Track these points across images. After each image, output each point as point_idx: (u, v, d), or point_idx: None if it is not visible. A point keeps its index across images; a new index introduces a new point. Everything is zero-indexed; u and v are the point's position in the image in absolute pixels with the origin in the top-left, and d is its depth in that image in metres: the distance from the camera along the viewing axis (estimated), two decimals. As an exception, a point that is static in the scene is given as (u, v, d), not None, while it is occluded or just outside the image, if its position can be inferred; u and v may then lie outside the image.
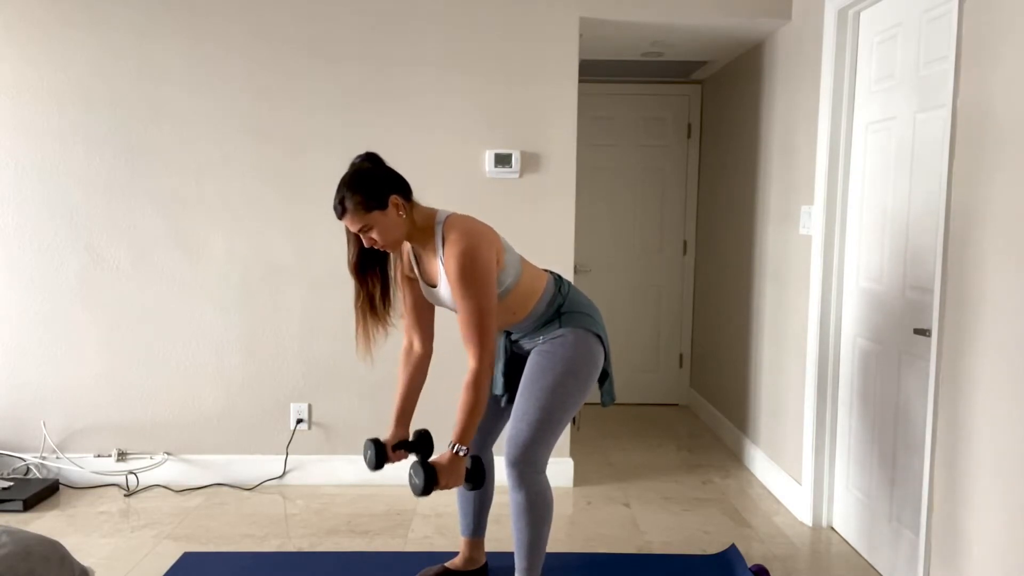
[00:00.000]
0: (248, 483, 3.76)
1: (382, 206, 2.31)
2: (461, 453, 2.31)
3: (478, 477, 2.39)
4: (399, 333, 3.41)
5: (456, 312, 2.46)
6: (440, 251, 2.37)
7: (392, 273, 2.48)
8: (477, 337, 2.31)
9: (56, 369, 3.72)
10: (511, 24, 3.63)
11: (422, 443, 2.60)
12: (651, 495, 3.72)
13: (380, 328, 2.47)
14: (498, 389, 2.64)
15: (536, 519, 2.47)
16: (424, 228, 2.40)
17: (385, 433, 2.67)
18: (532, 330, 2.54)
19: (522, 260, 2.51)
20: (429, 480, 2.25)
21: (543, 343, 2.51)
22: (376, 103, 3.64)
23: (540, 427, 2.42)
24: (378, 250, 2.43)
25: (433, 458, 2.33)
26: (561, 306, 2.51)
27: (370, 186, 2.31)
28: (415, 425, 2.65)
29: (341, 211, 2.31)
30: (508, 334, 2.62)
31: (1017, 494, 2.10)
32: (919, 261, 2.70)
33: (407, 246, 2.52)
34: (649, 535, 3.26)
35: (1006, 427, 2.14)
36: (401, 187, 2.37)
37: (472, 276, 2.29)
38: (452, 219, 2.38)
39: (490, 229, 2.42)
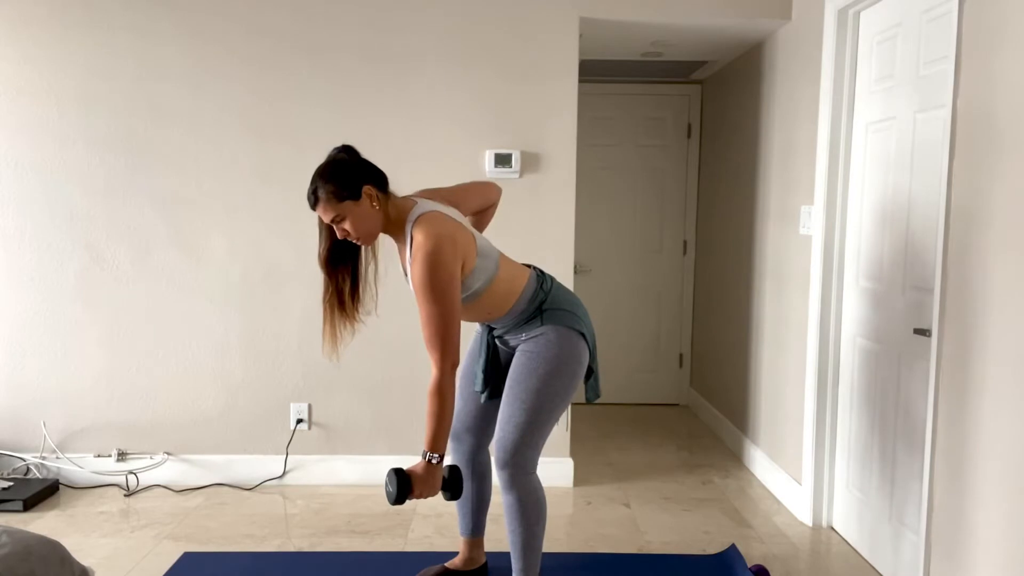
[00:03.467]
0: (248, 483, 3.76)
1: (355, 196, 2.30)
2: (434, 461, 2.29)
3: (455, 486, 2.34)
4: (393, 334, 3.40)
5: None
6: (408, 251, 2.36)
7: (362, 270, 2.46)
8: (438, 343, 2.28)
9: (56, 369, 3.72)
10: (511, 24, 3.63)
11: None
12: (651, 495, 3.72)
13: (347, 325, 2.45)
14: (478, 386, 2.62)
15: (529, 519, 2.46)
16: (397, 222, 2.38)
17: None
18: (514, 326, 2.51)
19: (501, 258, 2.46)
20: (403, 489, 2.22)
21: (526, 341, 2.48)
22: (376, 104, 3.64)
23: (527, 429, 2.41)
24: (350, 245, 2.42)
25: (409, 466, 2.30)
26: (543, 303, 2.48)
27: (343, 176, 2.30)
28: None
29: (314, 201, 2.31)
30: (491, 329, 2.59)
31: (1018, 493, 2.10)
32: (919, 261, 2.70)
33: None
34: (649, 535, 3.26)
35: (1007, 426, 2.14)
36: (376, 178, 2.36)
37: (433, 283, 2.26)
38: (422, 219, 2.32)
39: (460, 230, 2.34)
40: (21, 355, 3.71)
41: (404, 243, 2.40)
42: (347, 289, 2.43)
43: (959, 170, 2.35)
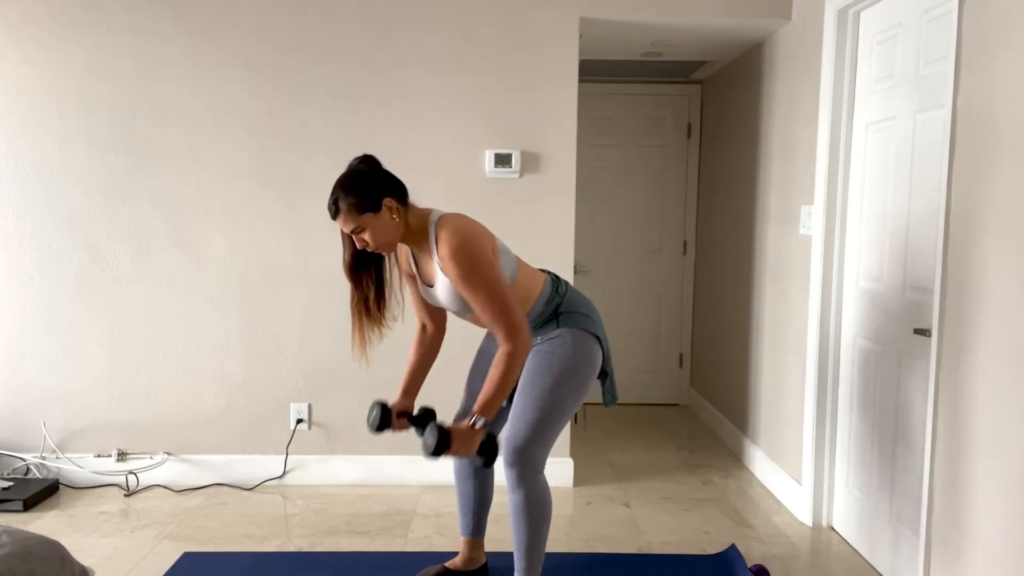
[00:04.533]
0: (248, 483, 3.76)
1: (375, 208, 2.31)
2: (478, 425, 2.30)
3: (491, 454, 2.37)
4: (396, 335, 3.41)
5: (458, 312, 2.46)
6: (435, 252, 2.37)
7: (387, 276, 2.48)
8: (501, 319, 2.30)
9: (56, 369, 3.72)
10: (511, 24, 3.63)
11: (424, 418, 2.63)
12: (651, 495, 3.72)
13: (375, 329, 2.47)
14: None
15: (535, 519, 2.47)
16: (418, 230, 2.40)
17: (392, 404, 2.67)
18: (530, 330, 2.53)
19: (518, 261, 2.51)
20: (442, 443, 2.25)
21: (541, 343, 2.50)
22: (376, 104, 3.64)
23: (538, 428, 2.42)
24: (374, 252, 2.43)
25: (451, 424, 2.33)
26: (559, 306, 2.51)
27: (364, 188, 2.31)
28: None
29: (335, 212, 2.32)
30: None
31: (1018, 493, 2.10)
32: (919, 261, 2.70)
33: (406, 246, 2.52)
34: (649, 535, 3.26)
35: (1006, 426, 2.14)
36: (396, 190, 2.37)
37: (475, 268, 2.29)
38: (444, 219, 2.39)
39: (481, 227, 2.41)
40: (21, 355, 3.71)
41: (427, 248, 2.41)
42: (372, 295, 2.45)
43: (959, 170, 2.35)
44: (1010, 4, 2.15)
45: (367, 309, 2.45)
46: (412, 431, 2.67)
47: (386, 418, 2.58)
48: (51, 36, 3.58)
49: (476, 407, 2.32)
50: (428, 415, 2.64)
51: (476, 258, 2.30)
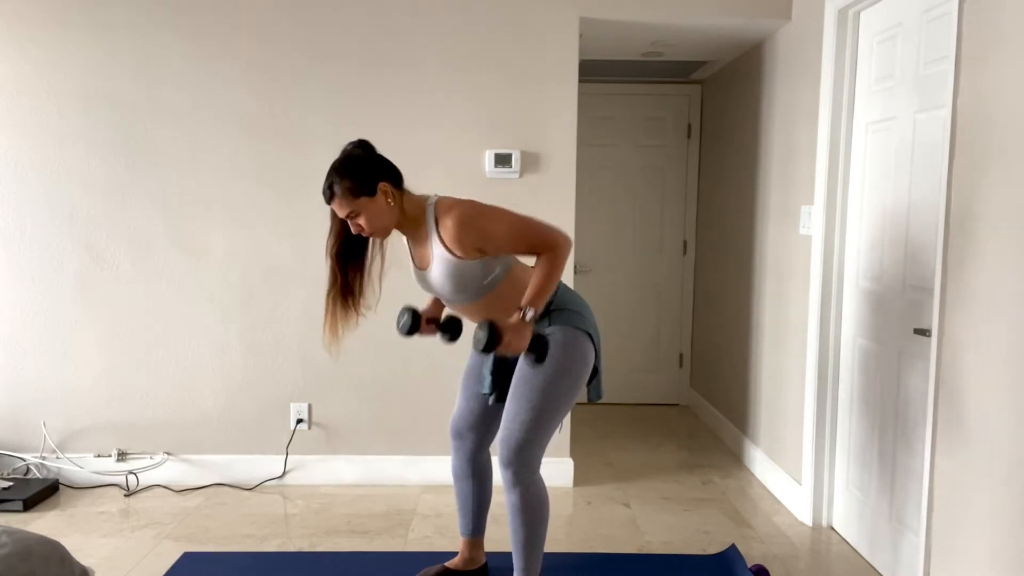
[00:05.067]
0: (248, 483, 3.76)
1: (371, 192, 2.32)
2: (528, 317, 2.29)
3: (541, 350, 2.36)
4: (391, 335, 3.40)
5: (449, 299, 2.46)
6: (435, 231, 2.37)
7: (367, 265, 2.48)
8: (538, 242, 2.35)
9: (56, 369, 3.72)
10: (511, 24, 3.63)
11: (451, 325, 2.68)
12: (651, 495, 3.72)
13: (350, 318, 2.47)
14: (486, 388, 2.62)
15: (532, 519, 2.47)
16: (414, 216, 2.41)
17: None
18: None
19: (513, 257, 2.50)
20: (492, 337, 2.24)
21: None
22: (376, 103, 3.64)
23: (532, 427, 2.41)
24: (359, 240, 2.44)
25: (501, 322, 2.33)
26: (552, 303, 2.50)
27: (360, 172, 2.31)
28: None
29: (330, 196, 2.33)
30: None
31: (1018, 494, 2.10)
32: (919, 261, 2.70)
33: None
34: (649, 535, 3.26)
35: (1007, 426, 2.14)
36: (391, 174, 2.38)
37: (485, 217, 2.34)
38: (442, 200, 2.41)
39: None
40: (21, 355, 3.71)
41: (424, 232, 2.41)
42: (357, 283, 2.46)
43: (959, 170, 2.35)
44: (1010, 4, 2.15)
45: (345, 297, 2.45)
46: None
47: (416, 322, 2.61)
48: (51, 36, 3.58)
49: (524, 300, 2.31)
50: (455, 323, 2.68)
51: (482, 211, 2.35)
